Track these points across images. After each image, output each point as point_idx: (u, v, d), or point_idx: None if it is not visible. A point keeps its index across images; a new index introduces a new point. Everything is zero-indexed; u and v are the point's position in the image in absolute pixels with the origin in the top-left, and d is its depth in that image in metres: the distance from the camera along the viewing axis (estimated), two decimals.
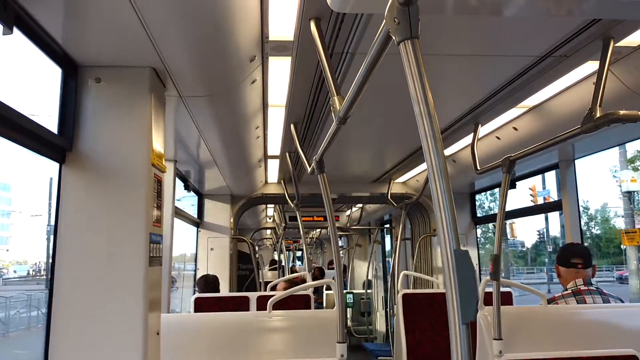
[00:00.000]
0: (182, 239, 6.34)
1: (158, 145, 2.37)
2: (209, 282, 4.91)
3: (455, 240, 0.98)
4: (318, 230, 13.46)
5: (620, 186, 19.23)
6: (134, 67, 2.26)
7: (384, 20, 1.17)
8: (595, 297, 2.91)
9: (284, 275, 8.96)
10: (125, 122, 2.25)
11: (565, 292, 3.00)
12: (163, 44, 2.08)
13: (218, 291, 5.05)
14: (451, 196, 1.00)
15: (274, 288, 5.13)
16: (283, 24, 2.19)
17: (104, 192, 2.20)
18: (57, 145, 2.15)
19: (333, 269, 5.31)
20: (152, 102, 2.29)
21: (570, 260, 3.04)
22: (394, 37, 1.13)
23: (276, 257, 11.35)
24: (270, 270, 11.54)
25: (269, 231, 12.85)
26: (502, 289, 2.80)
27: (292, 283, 5.12)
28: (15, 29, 1.72)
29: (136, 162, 2.23)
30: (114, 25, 1.93)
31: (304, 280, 5.19)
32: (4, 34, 1.65)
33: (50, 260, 2.18)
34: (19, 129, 1.88)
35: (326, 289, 10.09)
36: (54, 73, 2.19)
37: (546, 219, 32.19)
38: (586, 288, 2.95)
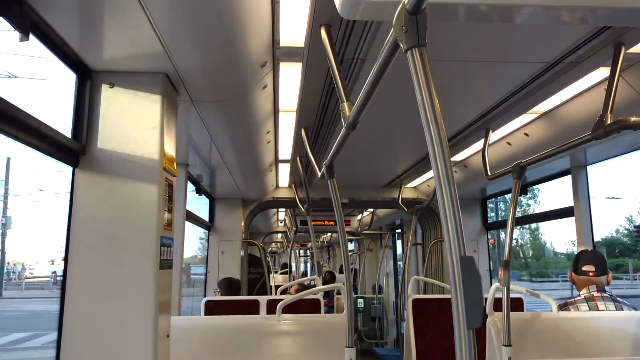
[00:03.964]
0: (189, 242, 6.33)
1: (170, 149, 2.39)
2: (232, 285, 4.93)
3: (461, 247, 0.98)
4: (329, 234, 13.44)
5: None
6: (146, 72, 2.30)
7: (392, 28, 1.18)
8: (608, 304, 2.88)
9: (293, 279, 8.96)
10: (137, 127, 2.28)
11: (578, 298, 2.98)
12: (175, 51, 2.11)
13: (239, 294, 5.05)
14: (457, 203, 1.01)
15: (284, 292, 5.14)
16: (294, 30, 2.21)
17: (116, 196, 2.23)
18: (70, 149, 2.18)
19: None
20: (164, 107, 2.32)
21: (582, 267, 3.02)
22: (401, 45, 1.14)
23: (286, 261, 11.36)
24: (281, 273, 11.55)
25: (280, 235, 12.87)
26: (514, 295, 2.79)
27: (302, 287, 5.12)
28: (31, 36, 1.75)
29: (148, 166, 2.26)
30: (128, 32, 1.96)
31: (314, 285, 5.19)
32: (20, 40, 1.68)
33: (63, 264, 2.21)
34: (33, 132, 1.92)
35: (337, 293, 10.08)
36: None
37: None
38: (599, 295, 2.92)
